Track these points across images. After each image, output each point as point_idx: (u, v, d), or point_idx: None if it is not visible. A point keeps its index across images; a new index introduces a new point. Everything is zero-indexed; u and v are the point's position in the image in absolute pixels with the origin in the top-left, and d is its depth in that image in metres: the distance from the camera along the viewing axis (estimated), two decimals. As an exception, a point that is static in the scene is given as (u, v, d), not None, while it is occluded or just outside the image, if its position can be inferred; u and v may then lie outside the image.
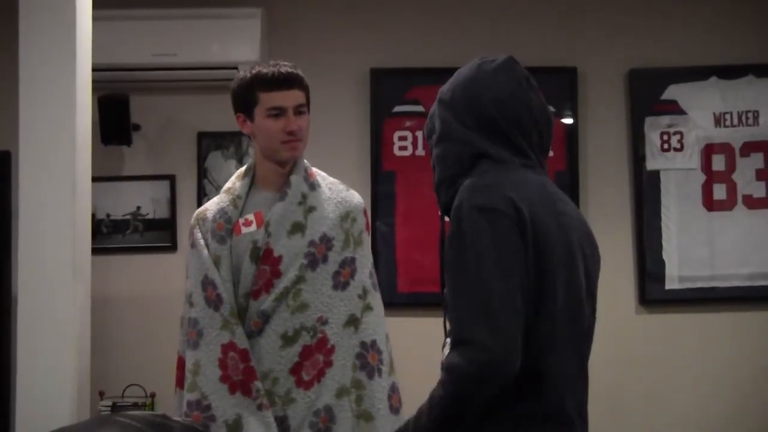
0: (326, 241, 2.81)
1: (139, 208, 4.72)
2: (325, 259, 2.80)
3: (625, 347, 4.60)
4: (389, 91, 4.70)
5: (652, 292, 4.62)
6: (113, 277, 4.62)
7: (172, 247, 4.70)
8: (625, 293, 4.65)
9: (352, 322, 2.81)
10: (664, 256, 4.63)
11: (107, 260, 4.57)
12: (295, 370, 2.74)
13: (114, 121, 4.56)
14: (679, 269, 4.62)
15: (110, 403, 4.40)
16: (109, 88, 4.53)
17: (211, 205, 2.91)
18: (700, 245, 4.63)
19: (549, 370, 2.01)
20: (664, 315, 4.64)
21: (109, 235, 4.69)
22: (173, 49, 4.52)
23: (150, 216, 4.72)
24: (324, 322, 2.78)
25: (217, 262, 2.79)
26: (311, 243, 2.79)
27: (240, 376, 2.72)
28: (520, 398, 1.99)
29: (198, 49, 4.53)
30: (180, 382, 2.91)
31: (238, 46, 4.53)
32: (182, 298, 4.57)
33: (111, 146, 4.63)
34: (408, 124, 4.69)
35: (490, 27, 4.75)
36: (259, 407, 2.70)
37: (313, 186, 2.87)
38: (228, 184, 2.93)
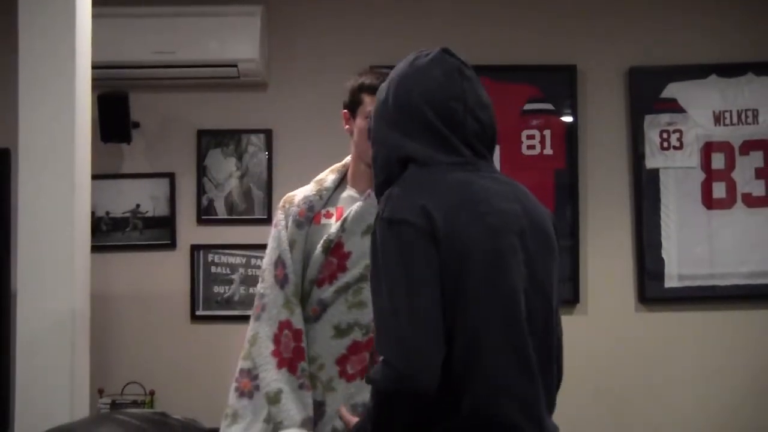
0: None
1: (138, 205, 4.72)
2: None
3: (625, 345, 4.60)
4: (389, 89, 4.69)
5: (652, 290, 4.62)
6: (112, 275, 4.62)
7: (172, 245, 4.70)
8: (624, 291, 4.65)
9: None
10: (664, 255, 4.63)
11: (106, 258, 4.57)
12: (341, 361, 2.83)
13: (113, 118, 4.56)
14: (679, 267, 4.62)
15: (109, 401, 4.40)
16: (109, 86, 4.53)
17: (300, 192, 3.01)
18: (699, 243, 4.63)
19: (476, 378, 1.95)
20: (663, 313, 4.64)
21: (108, 233, 4.69)
22: (173, 46, 4.52)
23: (149, 214, 4.72)
24: None
25: (292, 245, 2.92)
26: None
27: (290, 354, 2.84)
28: (448, 411, 1.95)
29: (198, 47, 4.52)
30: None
31: (238, 44, 4.53)
32: (182, 295, 4.62)
33: (110, 144, 4.63)
34: (407, 122, 4.69)
35: (490, 26, 4.75)
36: (301, 386, 2.81)
37: None
38: (320, 175, 3.04)
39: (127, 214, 4.72)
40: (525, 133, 4.68)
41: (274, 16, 4.73)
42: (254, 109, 4.70)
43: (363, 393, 2.74)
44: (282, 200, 3.01)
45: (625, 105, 4.73)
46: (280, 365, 2.83)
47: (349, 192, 2.97)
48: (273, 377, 2.82)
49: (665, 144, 4.68)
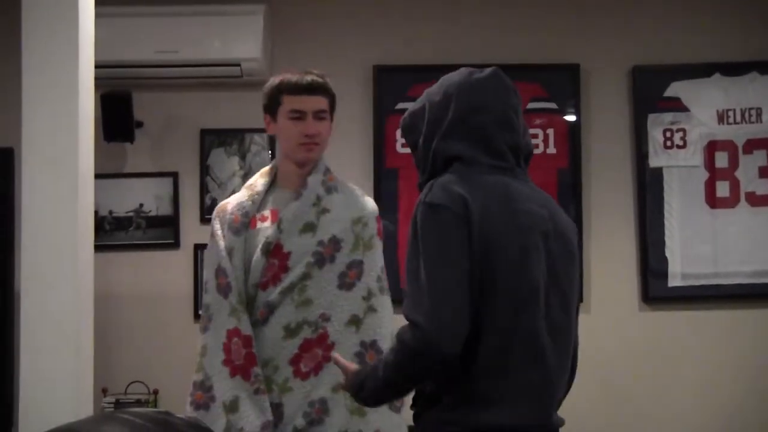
0: (335, 242, 2.94)
1: (141, 205, 4.73)
2: (332, 259, 2.93)
3: (628, 344, 4.60)
4: (392, 88, 4.69)
5: (655, 289, 4.62)
6: (116, 274, 4.63)
7: (175, 244, 4.71)
8: (628, 290, 4.65)
9: (354, 321, 2.93)
10: (667, 254, 4.63)
11: (110, 257, 4.57)
12: (295, 360, 2.87)
13: (117, 118, 4.56)
14: (682, 266, 4.62)
15: (113, 400, 4.41)
16: (112, 85, 4.53)
17: (233, 199, 3.05)
18: (703, 242, 4.63)
19: (489, 360, 2.13)
20: (667, 312, 4.64)
21: (111, 232, 4.70)
22: (176, 46, 4.52)
23: (153, 213, 4.73)
24: (326, 318, 2.90)
25: (230, 252, 2.94)
26: (320, 243, 2.93)
27: (241, 360, 2.86)
28: (458, 385, 2.16)
29: (201, 47, 4.53)
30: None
31: (241, 43, 4.53)
32: (186, 295, 4.62)
33: (114, 143, 4.63)
34: (411, 121, 4.68)
35: (494, 24, 4.75)
36: (256, 392, 2.84)
37: (330, 189, 3.01)
38: (250, 180, 3.07)
39: (131, 214, 4.73)
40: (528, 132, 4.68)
41: (276, 16, 4.73)
42: (257, 108, 4.62)
43: (319, 389, 2.86)
44: (215, 210, 3.05)
45: (629, 104, 4.72)
46: (233, 373, 2.86)
47: (281, 193, 3.00)
48: (228, 386, 2.85)
49: (669, 143, 4.67)
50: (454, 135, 2.28)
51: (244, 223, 2.96)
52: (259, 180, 3.04)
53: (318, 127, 2.95)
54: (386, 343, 2.91)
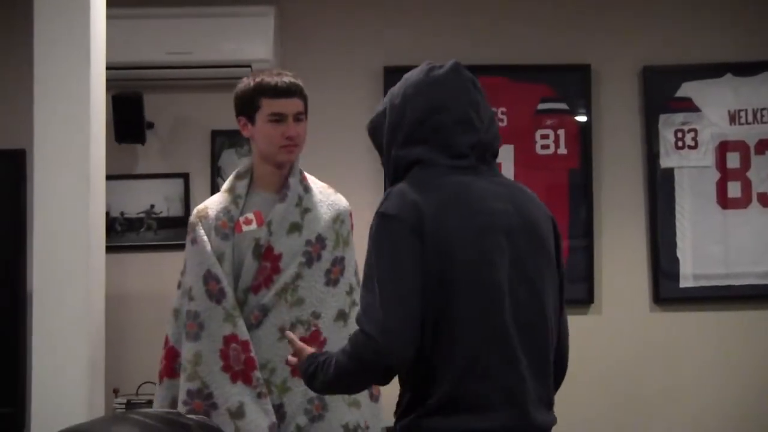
0: (321, 240, 3.00)
1: (152, 206, 4.73)
2: (319, 258, 3.00)
3: (640, 345, 4.59)
4: (402, 89, 4.69)
5: (667, 290, 4.61)
6: (127, 275, 4.64)
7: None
8: (639, 291, 4.64)
9: (342, 316, 3.01)
10: (679, 254, 4.62)
11: (121, 258, 4.58)
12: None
13: (128, 119, 4.57)
14: (694, 267, 4.61)
15: (125, 401, 4.42)
16: (123, 87, 4.54)
17: (212, 204, 3.05)
18: (714, 243, 4.62)
19: (455, 365, 2.13)
20: (678, 313, 4.63)
21: (123, 233, 4.71)
22: (187, 47, 4.53)
23: (164, 214, 4.74)
24: (317, 316, 2.97)
25: (220, 257, 2.94)
26: (308, 242, 2.98)
27: (241, 366, 2.88)
28: (428, 395, 2.16)
29: (211, 48, 4.53)
30: (168, 372, 3.03)
31: (252, 44, 4.54)
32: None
33: (125, 144, 4.64)
34: (421, 122, 4.68)
35: (504, 25, 4.75)
36: (259, 395, 2.87)
37: (307, 189, 3.06)
38: (227, 185, 3.07)
39: (142, 215, 4.74)
40: (539, 132, 4.68)
41: (287, 17, 4.74)
42: (268, 109, 4.70)
43: None
44: (194, 215, 3.05)
45: (640, 104, 4.71)
46: (234, 379, 2.88)
47: (261, 194, 3.03)
48: (231, 392, 2.86)
49: (680, 143, 4.66)
50: (413, 139, 2.26)
51: (231, 228, 2.97)
52: (237, 183, 3.05)
53: (297, 129, 2.98)
54: None
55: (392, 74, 4.69)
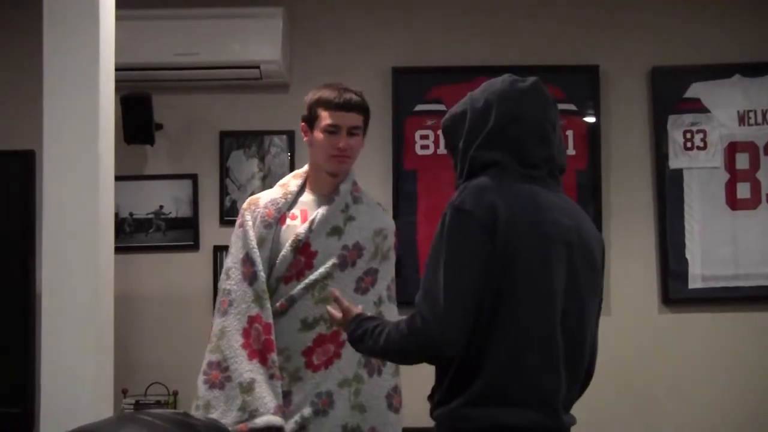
0: (358, 248, 3.13)
1: (161, 207, 4.74)
2: (353, 264, 3.12)
3: (648, 346, 4.59)
4: (411, 90, 4.70)
5: (675, 291, 4.60)
6: (136, 276, 4.65)
7: (194, 246, 4.72)
8: (648, 292, 4.63)
9: None
10: (688, 255, 4.61)
11: (130, 259, 4.59)
12: (307, 352, 3.05)
13: (137, 120, 4.58)
14: (703, 268, 4.60)
15: (133, 401, 4.43)
16: (132, 88, 4.55)
17: (264, 194, 3.22)
18: (723, 244, 4.61)
19: (499, 360, 2.24)
20: (687, 314, 4.62)
21: (131, 234, 4.72)
22: (195, 48, 4.54)
23: (172, 215, 4.75)
24: None
25: (260, 243, 3.10)
26: (345, 247, 3.11)
27: (260, 346, 3.02)
28: (467, 380, 2.27)
29: (220, 49, 4.54)
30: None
31: (260, 45, 4.54)
32: (205, 296, 4.63)
33: (134, 145, 4.65)
34: (429, 123, 4.69)
35: (512, 26, 4.75)
36: (271, 377, 3.00)
37: (357, 200, 3.20)
38: (284, 180, 3.24)
39: (151, 216, 4.75)
40: (547, 133, 4.67)
41: (295, 18, 4.74)
42: (276, 110, 4.71)
43: (327, 382, 3.04)
44: (246, 202, 3.21)
45: (648, 105, 4.71)
46: (251, 357, 3.01)
47: (310, 196, 3.19)
48: (246, 368, 2.99)
49: (689, 144, 4.65)
50: (492, 144, 2.37)
51: (276, 219, 3.12)
52: (292, 181, 3.21)
53: (350, 142, 3.11)
54: None
55: (400, 75, 4.70)
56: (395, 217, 4.61)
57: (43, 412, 3.17)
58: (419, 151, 4.68)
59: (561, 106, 4.64)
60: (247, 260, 3.08)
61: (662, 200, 4.64)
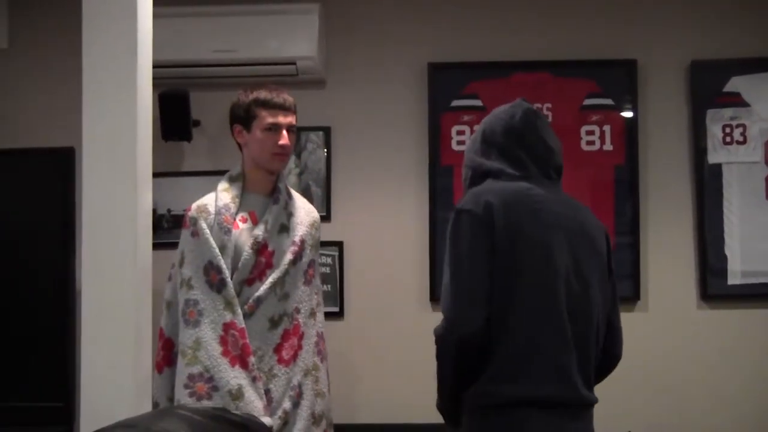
0: (302, 243, 3.33)
1: (199, 203, 4.76)
2: (300, 258, 3.32)
3: (687, 343, 4.55)
4: (447, 85, 4.69)
5: (714, 287, 4.56)
6: (174, 272, 4.67)
7: (232, 242, 4.73)
8: (686, 288, 4.59)
9: (312, 314, 3.36)
10: (726, 251, 4.56)
11: (168, 255, 4.60)
12: (278, 349, 3.20)
13: (174, 117, 4.61)
14: (742, 264, 4.55)
15: (171, 396, 4.45)
16: (170, 85, 4.58)
17: (210, 201, 3.31)
18: (763, 240, 4.56)
19: (517, 335, 2.53)
20: (726, 311, 4.57)
21: (170, 230, 4.74)
22: (233, 45, 4.56)
23: (210, 211, 4.76)
24: (298, 311, 3.30)
25: (222, 250, 3.19)
26: (294, 243, 3.30)
27: (239, 351, 3.11)
28: (490, 360, 2.55)
29: (257, 46, 4.56)
30: (167, 361, 3.28)
31: (297, 41, 4.55)
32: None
33: (171, 142, 4.68)
34: (466, 118, 4.68)
35: (549, 20, 4.72)
36: (254, 379, 3.10)
37: (290, 195, 3.40)
38: (223, 186, 3.34)
39: (188, 212, 4.76)
40: (584, 128, 4.65)
41: (331, 14, 4.75)
42: (313, 106, 4.72)
43: (296, 374, 3.21)
44: (194, 209, 3.29)
45: (687, 99, 4.66)
46: (233, 363, 3.10)
47: (253, 196, 3.32)
48: (231, 375, 3.08)
49: (728, 139, 4.61)
50: (485, 157, 2.77)
51: (230, 224, 3.24)
52: (232, 185, 3.34)
53: (289, 140, 3.31)
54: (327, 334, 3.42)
55: (436, 70, 4.70)
56: (431, 213, 4.61)
57: (83, 406, 3.20)
58: (455, 147, 4.67)
59: (598, 101, 4.65)
60: (212, 268, 3.16)
61: (701, 195, 4.60)
